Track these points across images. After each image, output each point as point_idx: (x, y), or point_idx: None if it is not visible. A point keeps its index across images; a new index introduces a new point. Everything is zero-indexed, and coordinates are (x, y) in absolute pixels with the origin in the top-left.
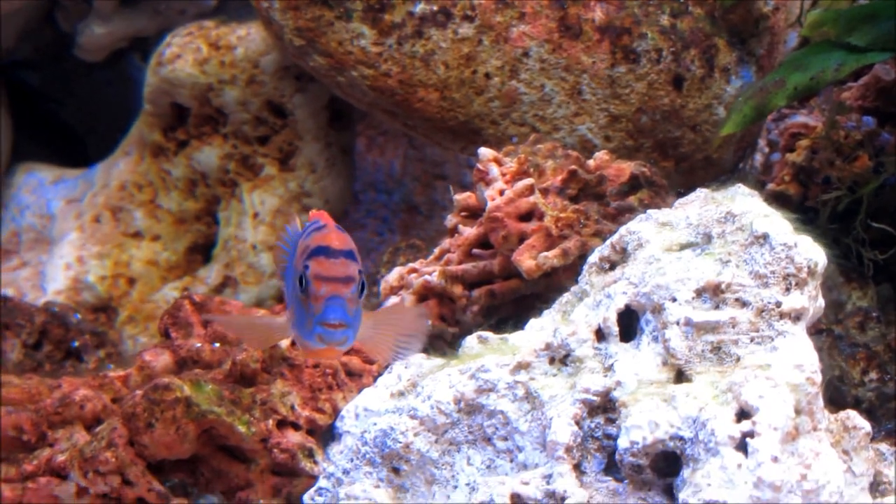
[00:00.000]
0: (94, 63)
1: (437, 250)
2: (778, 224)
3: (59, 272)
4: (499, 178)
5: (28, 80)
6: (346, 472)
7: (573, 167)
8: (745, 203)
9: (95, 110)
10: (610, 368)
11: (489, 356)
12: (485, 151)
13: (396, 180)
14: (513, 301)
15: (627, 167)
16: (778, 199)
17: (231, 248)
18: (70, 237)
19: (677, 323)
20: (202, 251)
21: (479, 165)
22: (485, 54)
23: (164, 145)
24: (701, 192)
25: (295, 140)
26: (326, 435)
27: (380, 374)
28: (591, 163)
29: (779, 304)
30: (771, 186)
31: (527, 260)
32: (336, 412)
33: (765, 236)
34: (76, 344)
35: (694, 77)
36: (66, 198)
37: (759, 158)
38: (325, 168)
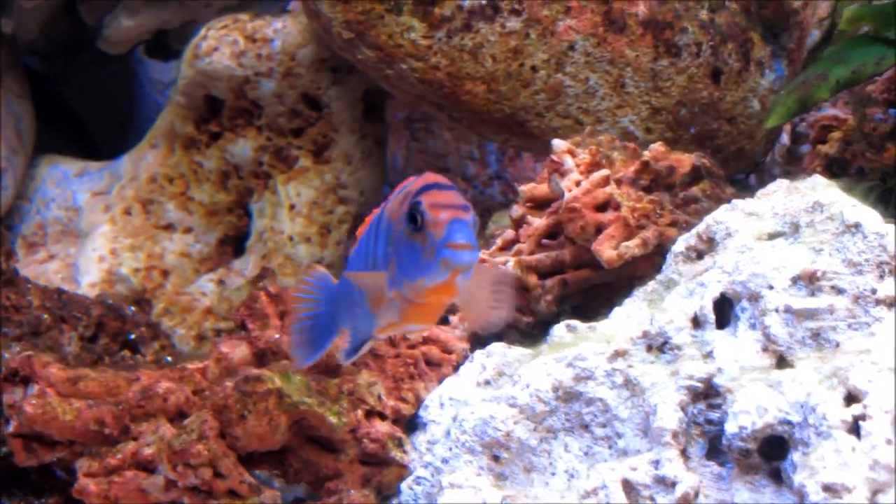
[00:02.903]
0: (103, 55)
1: (499, 240)
2: (868, 213)
3: (93, 265)
4: (574, 169)
5: (40, 69)
6: (445, 461)
7: (646, 158)
8: (829, 193)
9: (103, 102)
10: (709, 355)
11: (583, 344)
12: (559, 143)
13: (399, 172)
14: (582, 290)
15: (687, 158)
16: None
17: (267, 240)
18: (102, 229)
19: (776, 310)
20: (233, 243)
21: (554, 157)
22: (531, 48)
23: (196, 137)
24: (783, 183)
25: (330, 132)
26: (409, 424)
27: (460, 364)
28: (646, 154)
29: (874, 292)
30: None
31: (607, 250)
32: (419, 402)
33: (857, 225)
34: (132, 336)
35: (731, 70)
36: (92, 190)
37: (778, 150)
38: (361, 160)
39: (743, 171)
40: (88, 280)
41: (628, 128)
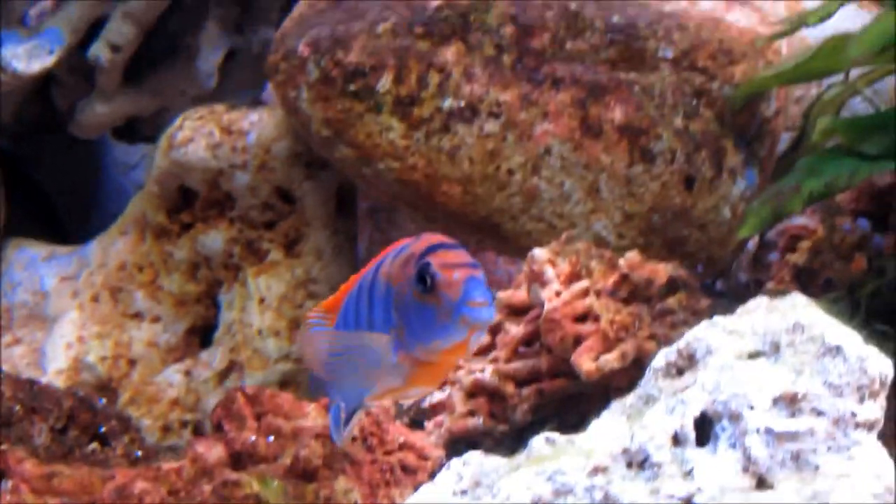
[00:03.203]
0: (71, 137)
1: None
2: (849, 336)
3: (60, 351)
4: (554, 280)
5: (9, 149)
6: None
7: (625, 270)
8: (810, 314)
9: (69, 183)
10: (689, 474)
11: (563, 458)
12: (540, 253)
13: (362, 263)
14: (558, 399)
15: (663, 269)
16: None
17: (236, 333)
18: (70, 316)
19: (757, 431)
20: (200, 333)
21: (534, 266)
22: (508, 150)
23: (168, 227)
24: (762, 301)
25: (302, 227)
26: None
27: (436, 471)
28: (622, 262)
29: (854, 415)
30: (771, 285)
31: (587, 362)
32: None
33: (838, 348)
34: (103, 429)
35: (704, 178)
36: (60, 275)
37: (745, 257)
38: (332, 255)
39: (711, 277)
40: (55, 367)
41: (601, 233)
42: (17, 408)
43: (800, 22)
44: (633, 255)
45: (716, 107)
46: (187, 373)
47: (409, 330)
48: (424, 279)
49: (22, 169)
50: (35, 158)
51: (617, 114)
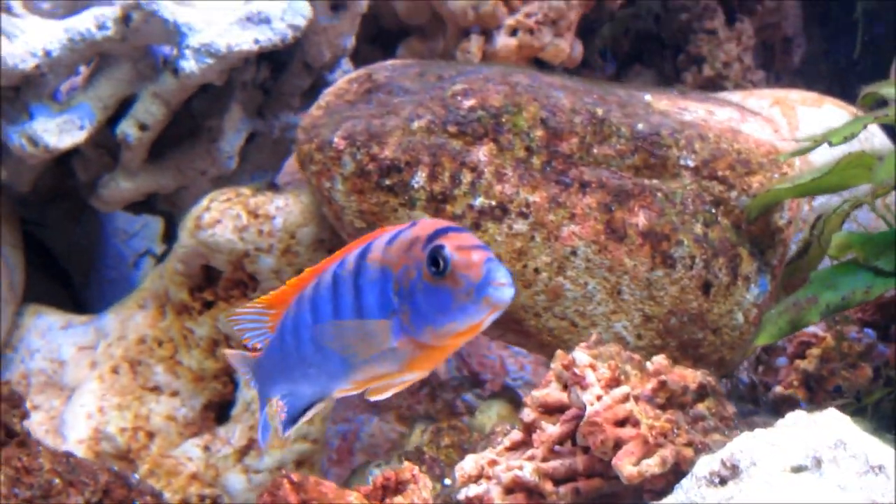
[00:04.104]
0: (80, 205)
1: (507, 440)
2: (889, 455)
3: (81, 421)
4: (595, 384)
5: (24, 216)
6: None
7: (663, 378)
8: (849, 430)
9: (73, 249)
10: None
11: None
12: (582, 357)
13: None
14: (592, 499)
15: (692, 375)
16: (786, 402)
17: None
18: (90, 386)
19: None
20: (216, 409)
21: (576, 370)
22: (536, 250)
23: (189, 304)
24: (800, 415)
25: None
26: None
27: None
28: (650, 366)
29: None
30: (779, 389)
31: (628, 466)
32: None
33: (881, 467)
34: None
35: (721, 284)
36: (77, 344)
37: (751, 360)
38: None
39: (721, 379)
40: (76, 436)
41: (621, 333)
42: (57, 481)
43: (823, 139)
44: (660, 360)
45: (733, 215)
46: (206, 448)
47: (416, 314)
48: (437, 262)
49: (36, 235)
50: (45, 224)
51: (641, 219)
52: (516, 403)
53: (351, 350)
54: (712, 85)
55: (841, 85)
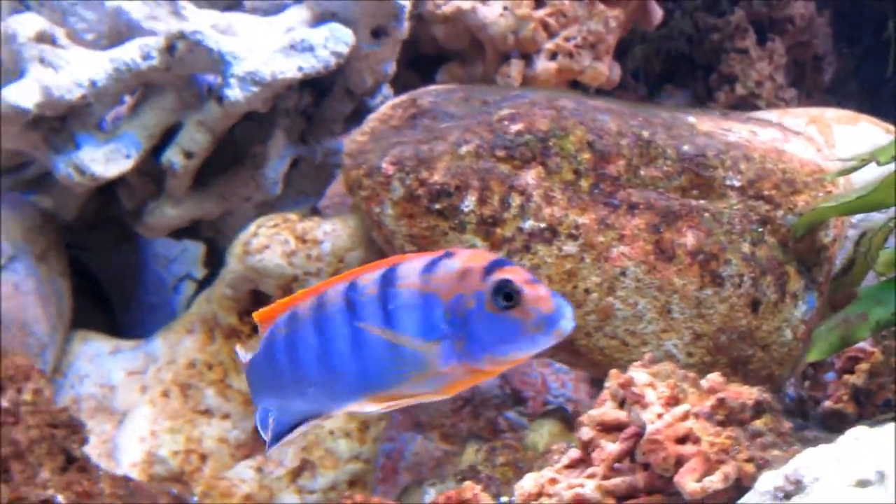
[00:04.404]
0: (122, 231)
1: (565, 458)
2: None
3: (134, 445)
4: (655, 403)
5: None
6: None
7: (722, 395)
8: None
9: (117, 275)
10: None
11: None
12: (641, 376)
13: None
14: None
15: (748, 392)
16: (835, 416)
17: (307, 433)
18: (142, 410)
19: None
20: None
21: (636, 389)
22: (586, 271)
23: (238, 328)
24: (862, 429)
25: None
26: None
27: None
28: (704, 384)
29: None
30: (828, 404)
31: (690, 483)
32: None
33: None
34: None
35: (769, 302)
36: (127, 370)
37: (797, 375)
38: None
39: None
40: (129, 460)
41: (671, 351)
42: None
43: (871, 158)
44: (715, 377)
45: (779, 234)
46: (259, 469)
47: (474, 342)
48: (507, 294)
49: (81, 262)
50: (89, 250)
51: (689, 239)
52: (567, 422)
53: (388, 370)
54: (745, 104)
55: (871, 103)
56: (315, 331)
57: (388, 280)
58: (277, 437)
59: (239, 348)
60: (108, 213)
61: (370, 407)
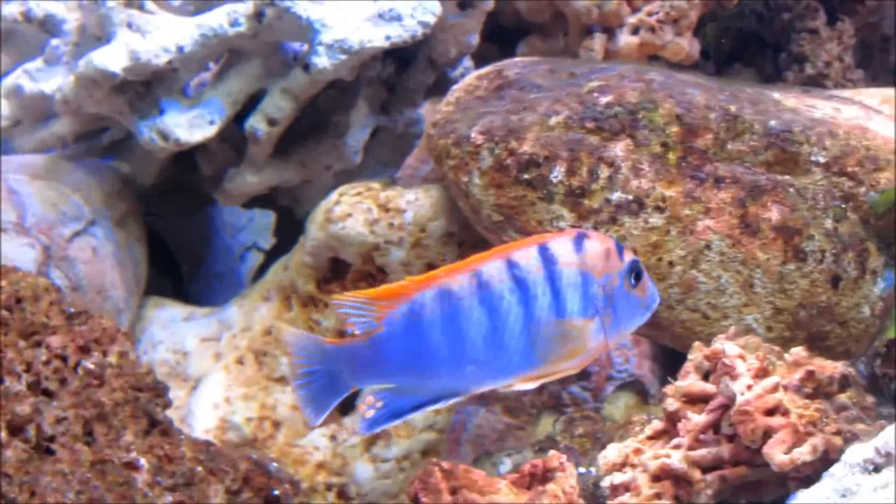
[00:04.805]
0: (195, 198)
1: (648, 429)
2: None
3: (209, 411)
4: (745, 374)
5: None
6: None
7: (811, 367)
8: None
9: (185, 242)
10: None
11: None
12: (732, 348)
13: None
14: (734, 486)
15: (832, 366)
16: None
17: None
18: (216, 377)
19: None
20: (343, 399)
21: (726, 360)
22: (671, 244)
23: (316, 296)
24: None
25: None
26: None
27: None
28: (788, 357)
29: None
30: None
31: (779, 454)
32: None
33: None
34: (276, 492)
35: (849, 278)
36: (200, 336)
37: (870, 352)
38: None
39: None
40: (203, 426)
41: (751, 325)
42: (199, 469)
43: None
44: (800, 351)
45: (861, 210)
46: (332, 437)
47: (615, 318)
48: (639, 274)
49: (155, 228)
50: (163, 217)
51: (774, 214)
52: (642, 395)
53: (552, 347)
54: (813, 83)
55: None
56: (484, 308)
57: (549, 259)
58: (394, 416)
59: (290, 329)
60: (183, 180)
61: (523, 385)
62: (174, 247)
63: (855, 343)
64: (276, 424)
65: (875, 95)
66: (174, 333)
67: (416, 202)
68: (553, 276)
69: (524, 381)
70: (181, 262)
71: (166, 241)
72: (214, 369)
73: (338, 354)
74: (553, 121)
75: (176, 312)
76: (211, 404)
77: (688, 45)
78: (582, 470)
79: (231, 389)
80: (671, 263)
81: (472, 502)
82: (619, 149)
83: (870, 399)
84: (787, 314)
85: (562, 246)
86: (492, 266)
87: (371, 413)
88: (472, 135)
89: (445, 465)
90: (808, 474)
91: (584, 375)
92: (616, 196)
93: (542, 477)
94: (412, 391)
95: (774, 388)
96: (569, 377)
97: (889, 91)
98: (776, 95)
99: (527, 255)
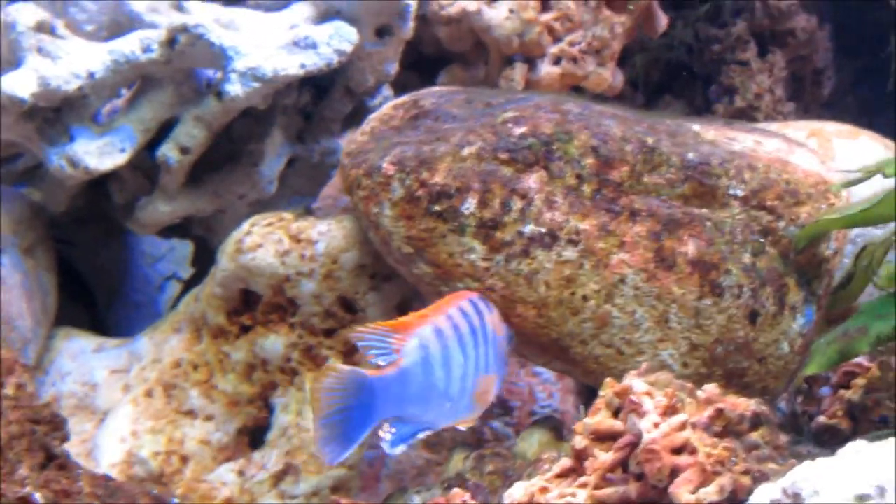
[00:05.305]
0: (110, 227)
1: (557, 468)
2: None
3: (115, 445)
4: (652, 412)
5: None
6: None
7: (720, 405)
8: None
9: (102, 272)
10: None
11: None
12: (639, 385)
13: None
14: None
15: (745, 404)
16: (829, 431)
17: (293, 437)
18: (123, 410)
19: None
20: (249, 434)
21: (633, 398)
22: (584, 277)
23: (226, 328)
24: (862, 444)
25: None
26: None
27: None
28: (700, 394)
29: None
30: (822, 419)
31: (685, 494)
32: None
33: None
34: None
35: (767, 313)
36: (110, 368)
37: (792, 390)
38: None
39: None
40: (109, 460)
41: (667, 361)
42: None
43: (877, 170)
44: (712, 388)
45: (780, 245)
46: (241, 472)
47: (500, 373)
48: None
49: (67, 257)
50: (77, 246)
51: (690, 248)
52: (557, 432)
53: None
54: (743, 116)
55: (868, 118)
56: (460, 350)
57: (480, 313)
58: (401, 440)
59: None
60: (97, 208)
61: (462, 425)
62: (90, 277)
63: (774, 380)
64: (184, 459)
65: (803, 128)
66: (83, 365)
67: (328, 233)
68: (484, 330)
69: (463, 423)
70: (97, 293)
71: (80, 271)
72: (122, 402)
73: (376, 385)
74: (466, 151)
75: (86, 344)
76: (118, 438)
77: (610, 76)
78: None
79: (138, 423)
80: (585, 297)
81: None
82: (532, 181)
83: (783, 438)
84: (704, 350)
85: (480, 301)
86: (455, 312)
87: (389, 437)
88: (384, 165)
89: (344, 501)
90: None
91: (506, 411)
92: (529, 229)
93: None
94: (410, 421)
95: (682, 427)
96: (489, 411)
97: (817, 124)
98: (696, 127)
99: (470, 308)
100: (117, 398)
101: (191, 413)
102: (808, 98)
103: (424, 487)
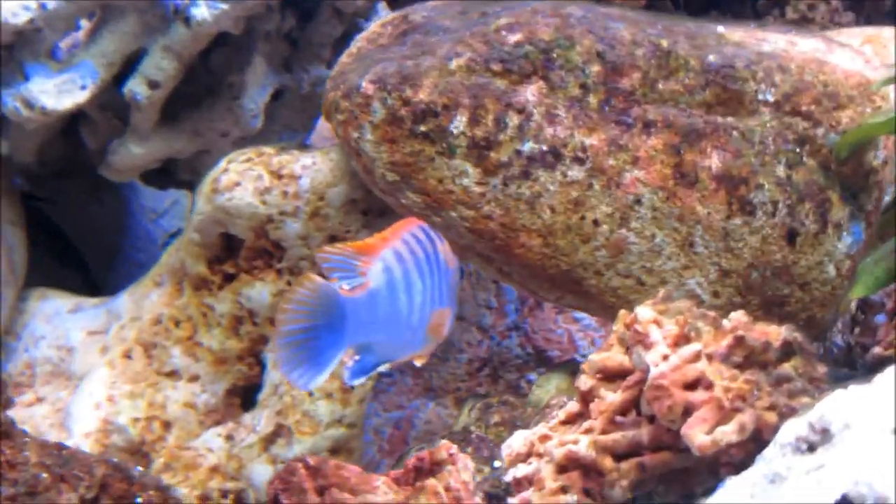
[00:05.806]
0: (98, 181)
1: (562, 413)
2: None
3: (89, 412)
4: (661, 342)
5: (30, 192)
6: None
7: (739, 333)
8: None
9: (93, 228)
10: None
11: None
12: (645, 312)
13: None
14: (658, 475)
15: (775, 332)
16: (884, 364)
17: (284, 395)
18: (99, 373)
19: None
20: (241, 394)
21: (638, 327)
22: (594, 199)
23: (208, 278)
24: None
25: None
26: None
27: None
28: (727, 323)
29: None
30: (877, 350)
31: (699, 435)
32: None
33: None
34: (139, 500)
35: (808, 232)
36: (87, 329)
37: (843, 319)
38: None
39: (811, 340)
40: (82, 429)
41: (694, 290)
42: (44, 475)
43: None
44: (739, 316)
45: (820, 155)
46: (229, 437)
47: (453, 308)
48: (463, 271)
49: (45, 213)
50: (58, 202)
51: (714, 161)
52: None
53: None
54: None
55: None
56: (420, 277)
57: (432, 242)
58: (363, 371)
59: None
60: (77, 160)
61: (417, 360)
62: (77, 235)
63: (820, 308)
64: (167, 425)
65: (857, 35)
66: (58, 327)
67: (312, 167)
68: (437, 260)
69: (418, 357)
70: (88, 253)
71: (66, 230)
72: (98, 365)
73: (347, 306)
74: (454, 64)
75: (62, 304)
76: (92, 404)
77: None
78: (498, 464)
79: (115, 387)
80: (596, 222)
81: (341, 502)
82: (530, 93)
83: (821, 369)
84: (736, 276)
85: (434, 232)
86: (409, 238)
87: (351, 364)
88: (363, 84)
89: (312, 461)
90: (742, 458)
91: (543, 361)
92: (528, 147)
93: (429, 471)
94: (375, 350)
95: (695, 358)
96: (525, 362)
97: (874, 30)
98: (720, 29)
99: (422, 234)
100: (95, 361)
101: (173, 374)
102: (870, 8)
103: (427, 444)
